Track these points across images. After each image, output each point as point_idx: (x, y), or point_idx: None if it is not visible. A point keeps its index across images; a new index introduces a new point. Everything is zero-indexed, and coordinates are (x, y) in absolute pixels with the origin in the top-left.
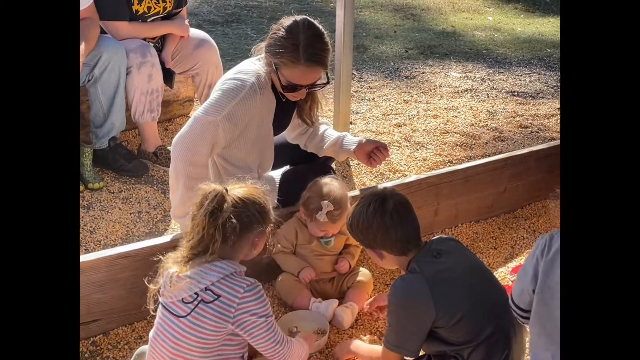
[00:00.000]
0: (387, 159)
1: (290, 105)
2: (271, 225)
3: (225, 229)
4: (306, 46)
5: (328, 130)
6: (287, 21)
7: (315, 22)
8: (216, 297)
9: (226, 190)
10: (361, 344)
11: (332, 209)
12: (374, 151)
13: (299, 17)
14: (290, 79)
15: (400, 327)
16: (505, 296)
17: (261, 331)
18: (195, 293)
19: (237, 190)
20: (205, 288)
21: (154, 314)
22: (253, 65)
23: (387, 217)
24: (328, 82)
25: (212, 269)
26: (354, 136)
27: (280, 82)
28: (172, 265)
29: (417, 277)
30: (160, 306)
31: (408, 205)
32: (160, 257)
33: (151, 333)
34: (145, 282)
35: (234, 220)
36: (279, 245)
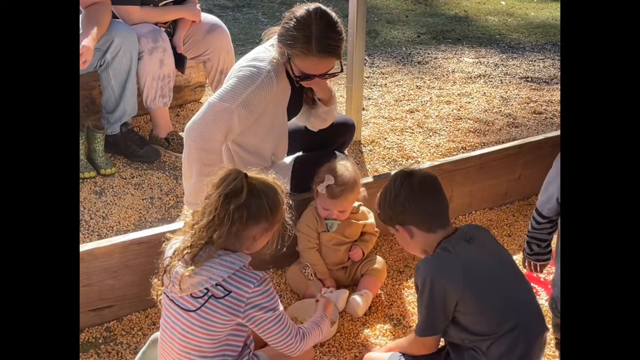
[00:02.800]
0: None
1: (302, 90)
2: (282, 224)
3: (234, 215)
4: (318, 37)
5: None
6: (299, 10)
7: (329, 9)
8: (227, 292)
9: (246, 175)
10: (390, 343)
11: (332, 183)
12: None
13: (311, 6)
14: (303, 69)
15: (429, 305)
16: (530, 292)
17: (270, 324)
18: (206, 288)
19: (256, 179)
20: (216, 284)
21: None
22: (268, 52)
23: (415, 187)
24: (342, 71)
25: (222, 264)
26: (365, 119)
27: (292, 72)
28: (178, 262)
29: (451, 255)
30: (165, 297)
31: (435, 179)
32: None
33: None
34: (151, 281)
35: (244, 208)
36: (304, 240)
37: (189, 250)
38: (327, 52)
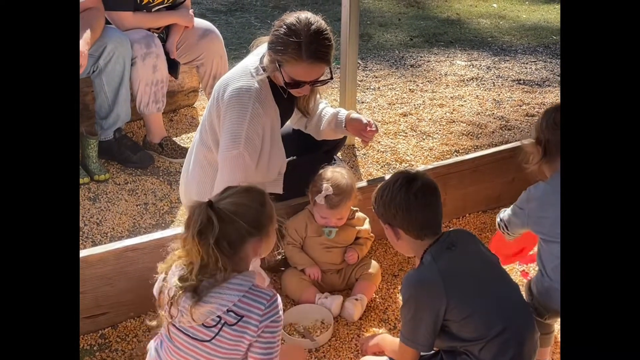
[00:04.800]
0: (377, 135)
1: (292, 97)
2: (278, 225)
3: (218, 248)
4: (308, 43)
5: (325, 109)
6: (289, 18)
7: (318, 17)
8: (239, 317)
9: (211, 204)
10: (387, 336)
11: (331, 193)
12: (362, 133)
13: (301, 14)
14: (294, 75)
15: (413, 320)
16: (517, 293)
17: (265, 349)
18: (218, 316)
19: (223, 202)
20: (227, 310)
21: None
22: (247, 77)
23: (412, 195)
24: (332, 78)
25: (230, 287)
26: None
27: (283, 79)
28: (185, 293)
29: (430, 267)
30: (172, 327)
31: (435, 190)
32: (168, 249)
33: (159, 349)
34: (147, 322)
35: (222, 238)
36: (289, 237)
37: (193, 283)
38: (317, 58)
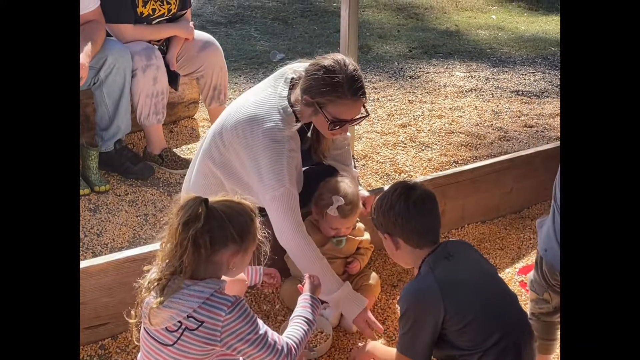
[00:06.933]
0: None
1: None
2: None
3: (196, 241)
4: (350, 81)
5: (349, 156)
6: (324, 61)
7: (347, 58)
8: (199, 323)
9: (206, 201)
10: (378, 345)
11: (342, 204)
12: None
13: (335, 56)
14: (337, 114)
15: (411, 331)
16: (515, 303)
17: (254, 351)
18: (179, 321)
19: (219, 203)
20: (188, 316)
21: (137, 343)
22: (277, 115)
23: (411, 203)
24: (368, 115)
25: (191, 294)
26: (358, 133)
27: (326, 120)
28: (149, 294)
29: (428, 278)
30: (143, 331)
31: (434, 199)
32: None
33: (139, 357)
34: (125, 316)
35: (205, 233)
36: None
37: (157, 283)
38: (360, 94)
